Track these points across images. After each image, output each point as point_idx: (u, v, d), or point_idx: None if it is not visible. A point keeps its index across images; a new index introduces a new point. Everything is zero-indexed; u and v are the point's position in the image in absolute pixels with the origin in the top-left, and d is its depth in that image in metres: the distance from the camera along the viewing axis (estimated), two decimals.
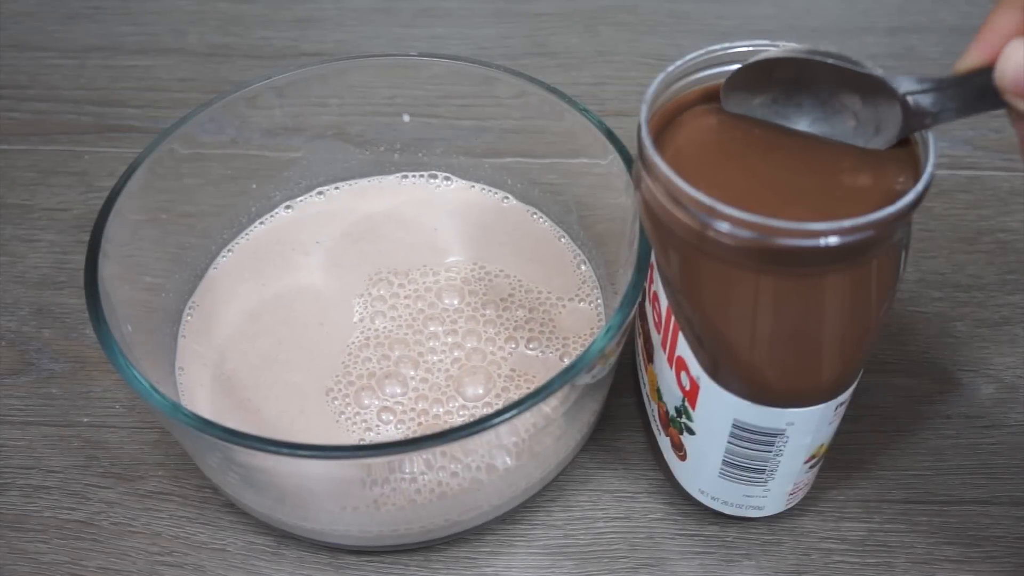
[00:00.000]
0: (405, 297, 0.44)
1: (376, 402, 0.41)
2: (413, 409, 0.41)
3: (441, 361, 0.42)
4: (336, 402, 0.41)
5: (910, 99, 0.30)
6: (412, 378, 0.42)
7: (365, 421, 0.41)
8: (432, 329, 0.43)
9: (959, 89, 0.29)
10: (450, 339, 0.43)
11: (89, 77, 0.64)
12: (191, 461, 0.42)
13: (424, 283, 0.45)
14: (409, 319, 0.44)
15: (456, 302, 0.45)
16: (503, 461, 0.37)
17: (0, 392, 0.46)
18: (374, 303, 0.44)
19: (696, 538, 0.41)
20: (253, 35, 0.67)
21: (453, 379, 0.42)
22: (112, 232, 0.39)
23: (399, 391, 0.41)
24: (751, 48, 0.34)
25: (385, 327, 0.43)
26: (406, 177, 0.51)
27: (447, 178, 0.50)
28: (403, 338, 0.43)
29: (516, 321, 0.44)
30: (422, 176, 0.51)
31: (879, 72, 0.30)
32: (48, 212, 0.55)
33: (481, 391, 0.41)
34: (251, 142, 0.47)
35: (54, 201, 0.55)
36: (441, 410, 0.41)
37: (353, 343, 0.43)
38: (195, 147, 0.44)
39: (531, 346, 0.43)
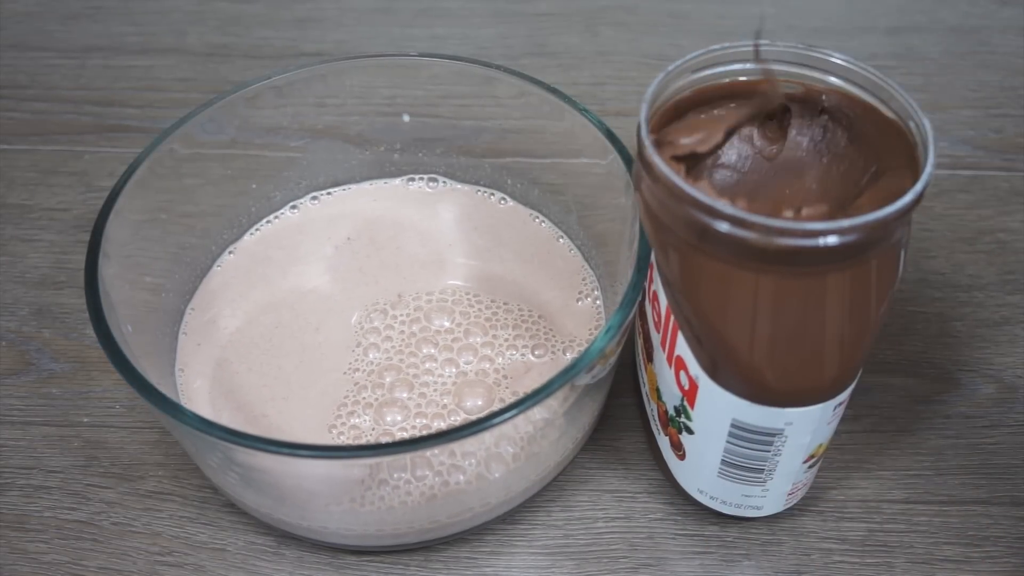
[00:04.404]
0: (401, 322, 0.44)
1: (388, 418, 0.41)
2: (414, 426, 0.41)
3: (439, 380, 0.42)
4: (343, 438, 0.40)
5: None
6: (409, 399, 0.41)
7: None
8: (427, 351, 0.43)
9: None
10: (445, 355, 0.43)
11: (89, 77, 0.64)
12: (191, 461, 0.42)
13: (416, 304, 0.45)
14: (401, 344, 0.43)
15: (447, 322, 0.44)
16: (503, 461, 0.37)
17: (0, 392, 0.46)
18: (367, 335, 0.44)
19: (696, 538, 0.41)
20: (253, 35, 0.67)
21: (452, 395, 0.42)
22: (112, 232, 0.39)
23: (399, 418, 0.41)
24: (751, 48, 0.34)
25: (378, 358, 0.43)
26: (412, 180, 0.50)
27: (447, 182, 0.50)
28: (397, 364, 0.42)
29: (515, 323, 0.44)
30: (420, 178, 0.51)
31: None
32: (48, 212, 0.55)
33: (481, 403, 0.41)
34: (251, 142, 0.47)
35: (54, 201, 0.55)
36: (443, 424, 0.41)
37: (352, 370, 0.42)
38: (195, 147, 0.44)
39: (530, 348, 0.43)
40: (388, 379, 0.42)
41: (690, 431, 0.36)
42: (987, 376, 0.46)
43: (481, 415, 0.33)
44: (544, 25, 0.67)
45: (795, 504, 0.40)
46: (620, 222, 0.42)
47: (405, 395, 0.41)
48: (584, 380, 0.36)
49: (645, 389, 0.41)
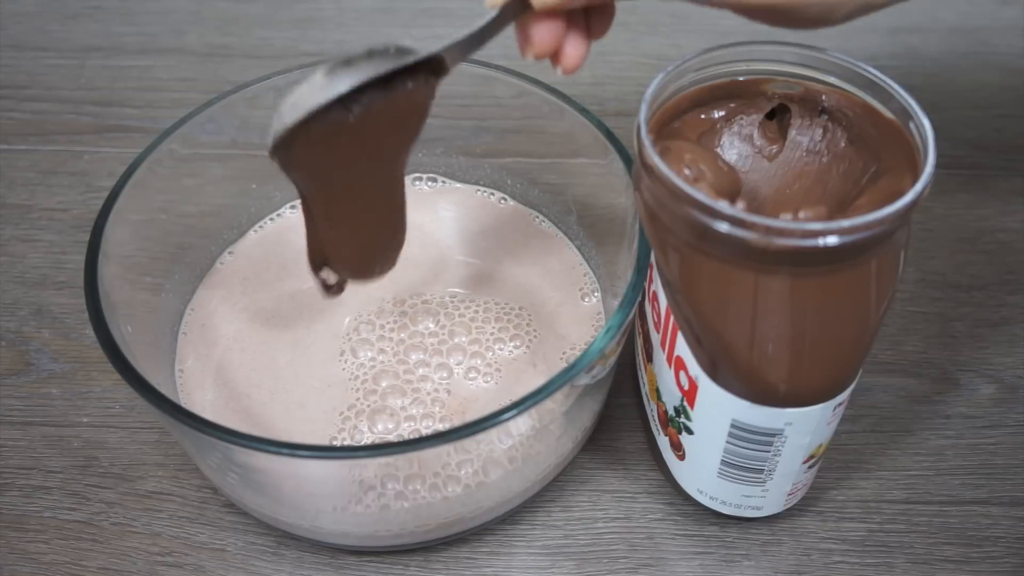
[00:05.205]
0: (399, 324, 0.44)
1: (380, 426, 0.41)
2: (412, 429, 0.41)
3: (441, 379, 0.42)
4: (343, 435, 0.40)
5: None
6: (404, 408, 0.41)
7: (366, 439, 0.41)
8: (417, 357, 0.43)
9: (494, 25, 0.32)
10: (437, 360, 0.43)
11: (89, 77, 0.64)
12: (191, 461, 0.42)
13: (412, 303, 0.45)
14: (397, 345, 0.43)
15: (447, 323, 0.44)
16: (503, 462, 0.37)
17: (0, 392, 0.46)
18: (367, 335, 0.44)
19: (696, 538, 0.41)
20: (253, 35, 0.67)
21: (453, 394, 0.42)
22: (112, 232, 0.39)
23: (391, 426, 0.41)
24: (750, 48, 0.34)
25: (376, 360, 0.43)
26: (420, 179, 0.50)
27: (446, 182, 0.50)
28: (392, 369, 0.42)
29: (515, 322, 0.44)
30: (420, 178, 0.51)
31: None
32: (48, 212, 0.55)
33: (479, 404, 0.41)
34: (251, 142, 0.47)
35: (54, 201, 0.55)
36: (442, 425, 0.41)
37: (352, 370, 0.42)
38: (195, 147, 0.44)
39: (537, 349, 0.43)
40: (384, 384, 0.42)
41: (690, 431, 0.36)
42: (987, 376, 0.46)
43: (480, 416, 0.33)
44: None
45: (795, 504, 0.40)
46: (620, 222, 0.42)
47: (398, 402, 0.41)
48: (584, 380, 0.36)
49: (645, 389, 0.41)
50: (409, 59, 0.31)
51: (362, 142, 0.33)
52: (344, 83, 0.30)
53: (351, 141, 0.32)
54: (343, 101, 0.31)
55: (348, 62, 0.31)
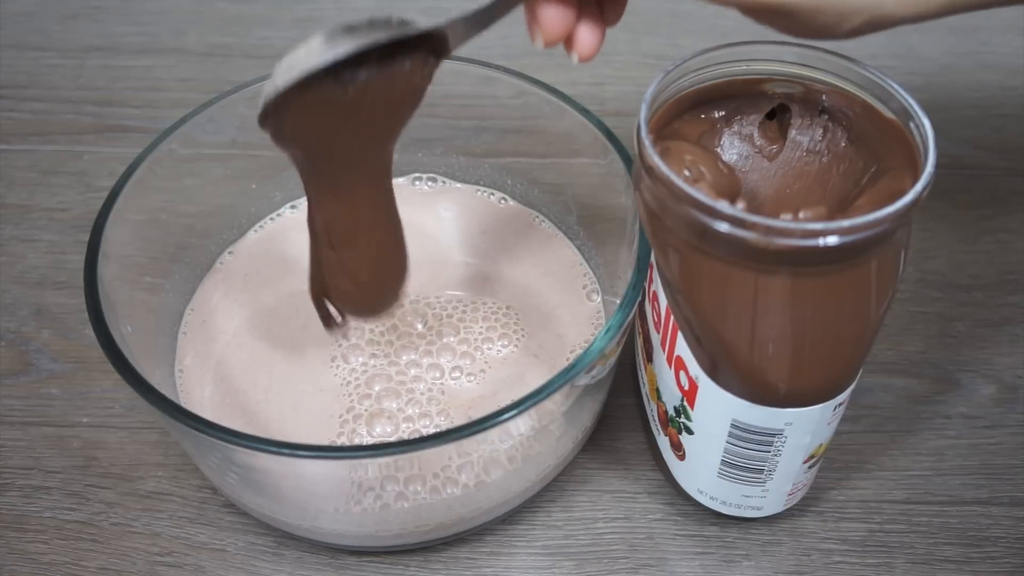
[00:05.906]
0: (398, 324, 0.44)
1: (378, 429, 0.41)
2: (412, 429, 0.41)
3: (434, 378, 0.42)
4: (342, 437, 0.40)
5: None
6: (401, 409, 0.41)
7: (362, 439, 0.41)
8: (408, 358, 0.43)
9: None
10: (444, 354, 0.43)
11: (89, 77, 0.64)
12: (191, 461, 0.42)
13: (412, 305, 0.45)
14: (389, 348, 0.43)
15: (446, 324, 0.44)
16: (503, 462, 0.37)
17: (0, 392, 0.46)
18: (367, 335, 0.44)
19: (696, 538, 0.41)
20: (253, 35, 0.67)
21: (448, 394, 0.42)
22: (112, 232, 0.39)
23: (388, 428, 0.41)
24: (750, 48, 0.34)
25: (372, 362, 0.43)
26: (419, 179, 0.50)
27: (446, 182, 0.50)
28: (384, 373, 0.42)
29: (514, 322, 0.44)
30: (420, 178, 0.51)
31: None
32: (48, 212, 0.55)
33: (478, 404, 0.41)
34: (251, 142, 0.47)
35: (54, 201, 0.55)
36: (443, 421, 0.41)
37: (339, 375, 0.42)
38: (195, 147, 0.44)
39: (530, 348, 0.43)
40: (377, 387, 0.42)
41: (690, 431, 0.36)
42: (987, 376, 0.46)
43: (480, 416, 0.33)
44: None
45: (795, 504, 0.40)
46: (620, 222, 0.42)
47: (394, 404, 0.41)
48: (584, 380, 0.36)
49: (645, 389, 0.41)
50: (411, 30, 0.30)
51: (354, 119, 0.31)
52: (343, 48, 0.29)
53: (344, 116, 0.31)
54: (340, 71, 0.29)
55: (348, 29, 0.29)
